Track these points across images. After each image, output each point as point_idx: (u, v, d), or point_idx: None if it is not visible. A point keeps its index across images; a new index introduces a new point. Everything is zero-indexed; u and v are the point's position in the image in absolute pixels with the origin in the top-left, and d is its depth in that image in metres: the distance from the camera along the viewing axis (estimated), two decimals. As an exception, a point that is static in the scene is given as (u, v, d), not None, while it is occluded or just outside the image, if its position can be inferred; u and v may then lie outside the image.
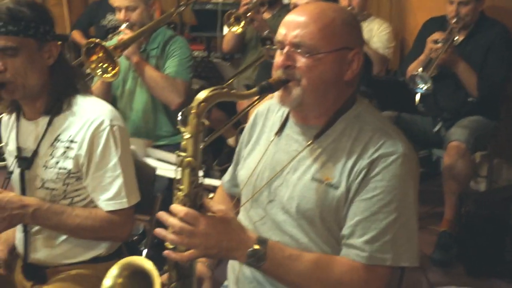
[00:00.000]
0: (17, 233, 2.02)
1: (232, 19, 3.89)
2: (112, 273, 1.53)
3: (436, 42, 3.36)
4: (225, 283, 1.78)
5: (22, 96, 1.87)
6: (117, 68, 2.76)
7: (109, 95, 3.11)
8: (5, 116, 2.04)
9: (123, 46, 2.85)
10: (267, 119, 1.75)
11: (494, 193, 3.57)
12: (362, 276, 1.45)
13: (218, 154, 4.29)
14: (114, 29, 4.53)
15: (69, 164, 1.88)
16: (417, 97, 3.30)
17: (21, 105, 1.95)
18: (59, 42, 1.91)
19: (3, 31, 1.76)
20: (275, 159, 1.63)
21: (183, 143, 1.42)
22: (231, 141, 4.39)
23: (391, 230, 1.45)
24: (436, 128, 3.54)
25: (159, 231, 1.41)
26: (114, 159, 1.88)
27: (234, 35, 4.10)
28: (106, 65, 2.78)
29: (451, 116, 3.51)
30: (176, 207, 1.40)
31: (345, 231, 1.49)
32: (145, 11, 3.07)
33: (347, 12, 1.60)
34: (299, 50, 1.50)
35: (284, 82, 1.52)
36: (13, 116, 2.00)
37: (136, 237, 3.17)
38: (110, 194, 1.88)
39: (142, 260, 1.52)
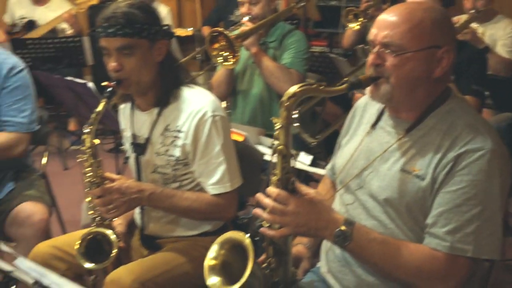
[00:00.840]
0: (136, 209, 2.24)
1: (351, 16, 3.97)
2: (215, 247, 1.68)
3: None
4: (318, 264, 1.89)
5: (135, 91, 2.07)
6: (237, 57, 2.95)
7: (230, 83, 3.30)
8: (121, 105, 2.25)
9: (243, 36, 3.03)
10: (365, 111, 1.84)
11: None
12: (442, 265, 1.51)
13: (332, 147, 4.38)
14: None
15: (177, 152, 2.06)
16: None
17: (133, 97, 2.15)
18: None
19: (120, 33, 1.93)
20: (369, 149, 1.72)
21: (276, 132, 1.55)
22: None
23: (474, 222, 1.50)
24: None
25: (256, 210, 1.56)
26: (217, 147, 2.04)
27: (353, 31, 4.17)
28: (227, 53, 2.98)
29: None
30: (270, 189, 1.55)
31: (429, 220, 1.56)
32: (267, 5, 3.20)
33: (438, 10, 1.64)
34: (388, 50, 1.58)
35: (374, 79, 1.61)
36: (128, 105, 2.20)
37: (245, 220, 3.34)
38: (214, 179, 2.05)
39: (241, 235, 1.65)
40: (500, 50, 3.83)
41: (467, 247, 1.50)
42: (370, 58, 1.62)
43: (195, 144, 2.04)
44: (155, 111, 2.10)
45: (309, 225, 1.54)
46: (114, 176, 2.03)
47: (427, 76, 1.60)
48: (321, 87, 1.58)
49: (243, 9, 3.22)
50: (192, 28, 6.06)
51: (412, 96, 1.62)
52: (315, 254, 1.91)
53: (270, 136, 3.10)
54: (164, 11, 5.89)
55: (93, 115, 1.99)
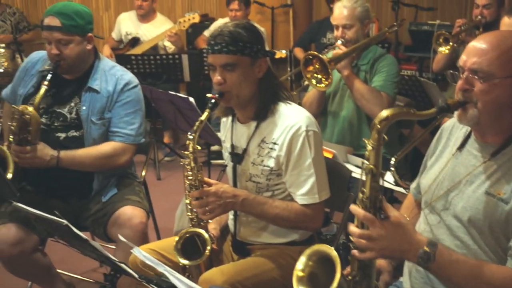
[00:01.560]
0: (229, 214, 2.41)
1: (441, 39, 4.02)
2: (303, 259, 1.78)
3: None
4: (401, 279, 1.96)
5: (235, 104, 2.22)
6: (330, 79, 3.08)
7: (321, 104, 3.43)
8: (224, 118, 2.42)
9: (337, 59, 3.17)
10: (451, 134, 1.91)
11: None
12: None
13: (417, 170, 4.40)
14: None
15: (271, 163, 2.20)
16: None
17: (234, 110, 2.32)
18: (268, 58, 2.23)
19: (225, 50, 2.10)
20: (455, 171, 1.79)
21: (367, 153, 1.65)
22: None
23: None
24: None
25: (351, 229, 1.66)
26: (308, 160, 2.17)
27: (444, 56, 4.20)
28: (320, 75, 3.12)
29: None
30: (355, 209, 1.65)
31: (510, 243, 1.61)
32: (360, 30, 3.32)
33: None
34: (476, 76, 1.65)
35: (462, 104, 1.68)
36: (229, 118, 2.37)
37: (329, 237, 3.44)
38: (304, 190, 2.18)
39: (328, 248, 1.76)
40: None
41: None
42: (459, 83, 1.70)
43: (288, 156, 2.17)
44: (253, 124, 2.25)
45: (393, 248, 1.62)
46: (212, 181, 2.20)
47: None
48: (411, 111, 1.66)
49: (337, 33, 3.35)
50: (285, 51, 6.24)
51: (499, 121, 1.68)
52: (396, 268, 1.99)
53: (358, 155, 3.21)
54: (259, 32, 6.09)
55: (197, 123, 2.16)
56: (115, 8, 7.34)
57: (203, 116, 2.16)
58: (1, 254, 2.58)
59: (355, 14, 3.31)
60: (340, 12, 3.33)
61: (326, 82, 3.11)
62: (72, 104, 2.75)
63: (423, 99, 3.93)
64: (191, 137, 2.17)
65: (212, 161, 5.30)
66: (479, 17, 4.14)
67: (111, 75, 2.78)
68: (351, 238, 1.66)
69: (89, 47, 2.74)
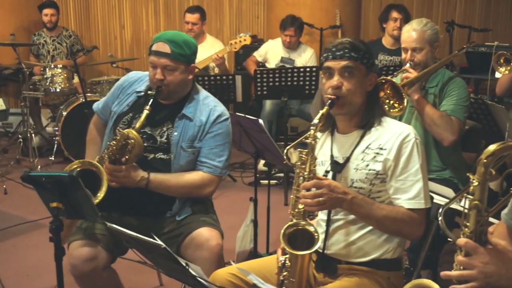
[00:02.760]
0: (317, 228, 2.35)
1: (502, 60, 3.95)
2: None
3: None
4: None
5: (347, 111, 2.28)
6: (403, 104, 3.03)
7: None
8: (319, 136, 2.40)
9: (410, 84, 3.14)
10: None
11: None
12: None
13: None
14: (387, 68, 4.86)
15: (378, 166, 2.22)
16: None
17: (335, 122, 2.37)
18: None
19: (347, 56, 2.23)
20: None
21: (471, 188, 1.63)
22: (492, 185, 4.39)
23: None
24: None
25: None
26: (416, 165, 2.20)
27: (507, 79, 4.12)
28: (392, 101, 3.08)
29: None
30: (460, 240, 1.62)
31: None
32: (430, 53, 3.30)
33: None
34: None
35: None
36: (325, 134, 2.41)
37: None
38: (411, 194, 2.20)
39: (432, 283, 1.74)
40: None
41: None
42: None
43: (397, 160, 2.21)
44: (358, 133, 2.31)
45: (500, 275, 1.57)
46: (323, 177, 2.23)
47: None
48: None
49: (406, 56, 3.32)
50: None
51: None
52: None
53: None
54: (309, 53, 6.11)
55: (318, 116, 2.19)
56: (165, 30, 7.35)
57: (324, 111, 2.20)
58: (74, 270, 2.62)
59: (425, 37, 3.28)
60: (410, 35, 3.30)
61: (401, 107, 3.07)
62: (164, 128, 2.79)
63: (489, 122, 3.85)
64: (313, 127, 2.19)
65: (261, 181, 5.34)
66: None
67: (205, 105, 2.82)
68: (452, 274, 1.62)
69: (190, 77, 2.80)
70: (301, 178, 2.19)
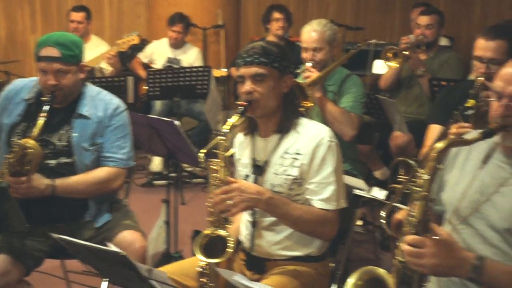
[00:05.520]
0: (243, 230, 2.45)
1: (390, 54, 4.25)
2: (352, 279, 1.88)
3: None
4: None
5: (261, 114, 2.32)
6: (308, 102, 3.17)
7: None
8: (241, 137, 2.49)
9: (313, 83, 3.29)
10: (472, 149, 2.03)
11: None
12: None
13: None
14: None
15: (295, 172, 2.28)
16: None
17: (257, 124, 2.40)
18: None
19: (257, 62, 2.26)
20: (484, 183, 1.93)
21: (420, 181, 1.77)
22: (377, 174, 4.72)
23: None
24: None
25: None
26: (329, 169, 2.28)
27: (393, 73, 4.44)
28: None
29: None
30: (408, 238, 1.75)
31: None
32: (329, 52, 3.48)
33: None
34: None
35: (503, 127, 1.83)
36: (248, 136, 2.45)
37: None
38: (324, 196, 2.27)
39: (378, 270, 1.86)
40: None
41: None
42: (498, 109, 1.84)
43: (311, 163, 2.27)
44: (276, 137, 2.35)
45: (444, 265, 1.72)
46: (233, 180, 2.24)
47: None
48: (461, 139, 1.83)
49: (306, 55, 3.47)
50: (226, 69, 6.33)
51: None
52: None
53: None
54: (194, 52, 6.15)
55: (228, 126, 2.23)
56: (42, 30, 7.18)
57: (235, 120, 2.24)
58: None
59: (325, 38, 3.45)
60: (310, 36, 3.46)
61: (307, 106, 3.19)
62: (63, 132, 2.72)
63: (380, 116, 4.13)
64: (224, 137, 2.23)
65: (154, 182, 5.33)
66: (421, 36, 4.42)
67: (99, 100, 2.79)
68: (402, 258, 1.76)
69: (82, 76, 2.74)
70: (213, 186, 2.23)
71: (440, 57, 4.52)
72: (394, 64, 4.27)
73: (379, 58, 4.83)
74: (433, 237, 1.74)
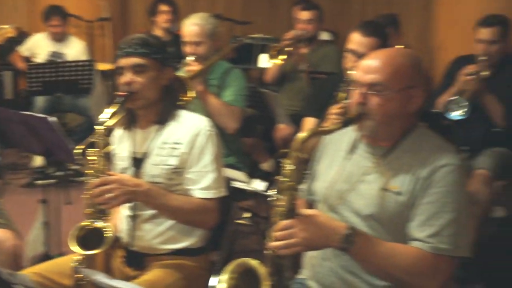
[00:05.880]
0: (122, 225, 2.41)
1: (275, 52, 4.34)
2: (226, 274, 1.92)
3: (468, 74, 3.71)
4: (301, 276, 2.12)
5: (141, 105, 2.32)
6: (189, 95, 3.16)
7: None
8: (120, 131, 2.46)
9: (193, 77, 3.28)
10: (339, 141, 2.12)
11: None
12: (430, 264, 1.82)
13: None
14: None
15: (174, 161, 2.30)
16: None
17: (137, 116, 2.39)
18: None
19: (137, 53, 2.26)
20: (349, 172, 2.02)
21: (286, 171, 1.85)
22: (265, 166, 4.80)
23: (452, 226, 1.82)
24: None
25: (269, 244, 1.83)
26: (209, 157, 2.32)
27: (277, 67, 4.53)
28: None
29: (477, 146, 3.87)
30: (278, 225, 1.81)
31: (412, 228, 1.87)
32: (211, 46, 3.48)
33: (413, 55, 2.00)
34: (373, 91, 1.90)
35: (361, 116, 1.92)
36: (127, 130, 2.43)
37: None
38: (203, 184, 2.31)
39: (251, 261, 1.93)
40: None
41: (449, 247, 1.82)
42: (356, 97, 1.93)
43: (191, 152, 2.30)
44: (155, 128, 2.35)
45: (316, 236, 1.79)
46: (112, 173, 2.25)
47: (404, 112, 1.93)
48: (322, 129, 1.94)
49: (188, 49, 3.46)
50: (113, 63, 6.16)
51: (391, 128, 1.94)
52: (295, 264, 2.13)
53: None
54: (80, 46, 5.96)
55: (105, 116, 2.22)
56: None
57: (113, 108, 2.22)
58: None
59: (205, 31, 3.45)
60: (191, 30, 3.45)
61: (187, 99, 3.17)
62: None
63: (263, 109, 4.20)
64: (100, 126, 2.22)
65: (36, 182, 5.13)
66: (302, 31, 4.53)
67: None
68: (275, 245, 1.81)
69: None
70: (91, 177, 2.20)
71: (321, 51, 4.66)
72: (278, 61, 4.37)
73: (265, 52, 4.91)
74: (301, 214, 1.81)
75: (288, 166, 1.83)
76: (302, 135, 1.84)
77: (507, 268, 3.52)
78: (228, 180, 2.84)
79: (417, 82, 1.94)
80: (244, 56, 5.73)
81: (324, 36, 5.58)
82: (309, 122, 3.02)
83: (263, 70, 5.10)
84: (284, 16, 7.57)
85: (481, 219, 3.66)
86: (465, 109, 3.58)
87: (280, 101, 4.01)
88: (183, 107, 2.45)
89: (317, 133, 1.91)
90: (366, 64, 1.94)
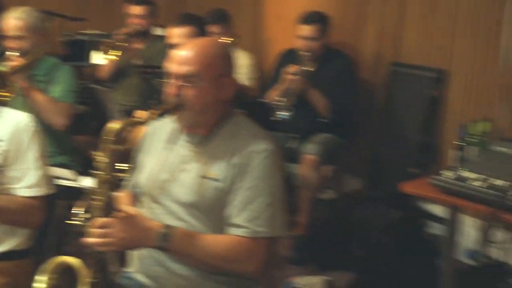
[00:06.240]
0: None
1: (107, 48, 4.26)
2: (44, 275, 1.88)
3: (292, 74, 3.93)
4: (128, 269, 2.10)
5: None
6: (11, 91, 3.00)
7: None
8: None
9: (14, 72, 3.11)
10: (159, 131, 2.13)
11: (340, 200, 4.20)
12: (247, 248, 1.88)
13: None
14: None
15: None
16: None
17: None
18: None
19: None
20: (169, 162, 2.03)
21: (100, 165, 1.82)
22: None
23: (268, 210, 1.90)
24: (289, 144, 4.10)
25: (85, 240, 1.79)
26: (35, 154, 2.24)
27: (112, 63, 4.45)
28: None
29: (305, 133, 4.09)
30: (95, 222, 1.79)
31: (230, 214, 1.92)
32: (35, 40, 3.33)
33: (223, 46, 2.07)
34: (187, 82, 1.93)
35: (177, 107, 1.94)
36: None
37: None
38: (28, 182, 2.22)
39: (68, 259, 1.89)
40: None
41: (266, 230, 1.89)
42: (172, 89, 1.94)
43: (15, 149, 2.21)
44: None
45: (132, 237, 1.80)
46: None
47: (217, 100, 1.98)
48: (136, 120, 1.91)
49: (11, 44, 3.29)
50: None
51: (206, 116, 1.98)
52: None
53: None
54: None
55: None
56: None
57: None
58: None
59: (27, 25, 3.31)
60: (10, 23, 3.29)
61: (7, 94, 3.00)
62: None
63: (96, 105, 4.10)
64: None
65: None
66: (135, 26, 4.51)
67: None
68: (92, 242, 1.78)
69: None
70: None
71: (155, 46, 4.64)
72: (112, 57, 4.30)
73: (97, 49, 4.81)
74: (118, 215, 1.80)
75: (101, 158, 1.81)
76: (114, 126, 1.83)
77: (336, 246, 3.75)
78: (55, 178, 2.76)
79: (227, 71, 2.01)
80: (77, 53, 5.55)
81: (160, 31, 5.57)
82: (139, 115, 3.00)
83: (96, 66, 4.99)
84: (121, 13, 7.47)
85: (312, 202, 3.88)
86: (290, 112, 3.89)
87: (113, 97, 3.95)
88: (4, 103, 2.33)
89: (130, 124, 1.90)
90: (179, 56, 1.96)
